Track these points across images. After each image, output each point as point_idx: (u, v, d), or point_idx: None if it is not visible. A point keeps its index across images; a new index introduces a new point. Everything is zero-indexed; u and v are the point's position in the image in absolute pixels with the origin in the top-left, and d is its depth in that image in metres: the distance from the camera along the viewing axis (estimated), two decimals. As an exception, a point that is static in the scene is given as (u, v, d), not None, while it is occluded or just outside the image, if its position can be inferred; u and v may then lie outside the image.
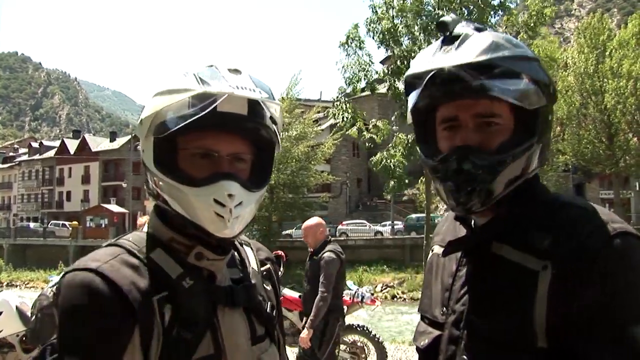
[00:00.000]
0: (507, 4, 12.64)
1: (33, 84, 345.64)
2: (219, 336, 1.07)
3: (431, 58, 1.07)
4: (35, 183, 70.26)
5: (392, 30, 12.24)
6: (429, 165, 1.12)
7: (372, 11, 12.55)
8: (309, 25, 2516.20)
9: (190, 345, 1.03)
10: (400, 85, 11.58)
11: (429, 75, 1.04)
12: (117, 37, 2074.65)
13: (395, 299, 25.56)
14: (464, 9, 12.22)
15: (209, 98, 1.00)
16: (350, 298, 7.30)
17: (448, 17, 1.10)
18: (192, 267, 1.08)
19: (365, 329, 6.85)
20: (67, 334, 1.00)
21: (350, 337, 6.87)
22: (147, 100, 1.08)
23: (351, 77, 12.51)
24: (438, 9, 12.35)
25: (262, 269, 1.29)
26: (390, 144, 13.03)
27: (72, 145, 68.23)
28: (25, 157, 75.27)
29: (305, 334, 5.36)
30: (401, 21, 12.28)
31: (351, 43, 12.50)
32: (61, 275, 1.07)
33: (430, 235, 1.42)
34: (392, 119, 16.40)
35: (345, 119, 12.70)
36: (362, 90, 12.90)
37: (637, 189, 34.70)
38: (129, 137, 61.80)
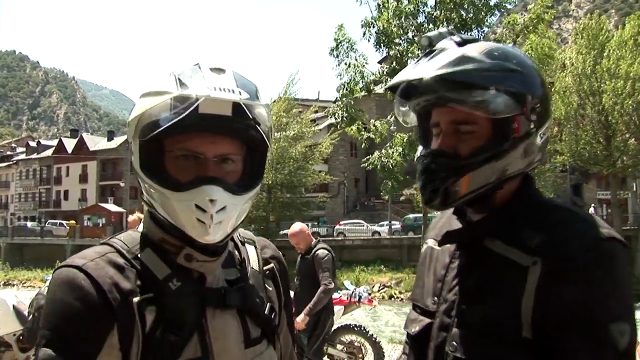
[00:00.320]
0: (504, 3, 12.64)
1: (31, 82, 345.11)
2: (206, 338, 1.06)
3: (407, 70, 1.17)
4: (32, 182, 70.14)
5: (387, 31, 12.23)
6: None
7: (371, 11, 12.54)
8: (307, 24, 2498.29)
9: (175, 347, 1.02)
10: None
11: (400, 88, 1.17)
12: (115, 36, 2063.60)
13: (392, 298, 25.59)
14: (460, 9, 12.21)
15: (188, 100, 0.98)
16: (347, 298, 7.32)
17: (433, 33, 1.19)
18: (182, 269, 1.08)
19: (362, 328, 6.86)
20: (46, 326, 1.01)
21: (347, 337, 6.88)
22: (136, 101, 1.08)
23: (349, 81, 12.50)
24: (436, 10, 12.35)
25: (265, 268, 1.26)
26: (388, 144, 13.03)
27: (70, 144, 68.14)
28: (22, 156, 75.10)
29: (300, 318, 5.53)
30: (395, 24, 12.26)
31: (341, 47, 12.45)
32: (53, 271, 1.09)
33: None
34: (391, 119, 16.43)
35: (344, 118, 12.70)
36: (360, 90, 12.90)
37: (634, 189, 34.76)
38: (127, 136, 61.61)
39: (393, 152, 12.67)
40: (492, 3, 12.35)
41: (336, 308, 7.08)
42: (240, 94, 1.02)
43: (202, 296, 1.08)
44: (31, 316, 5.15)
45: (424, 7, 12.43)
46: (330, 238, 33.15)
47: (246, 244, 1.26)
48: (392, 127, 12.76)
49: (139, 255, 1.07)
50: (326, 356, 6.89)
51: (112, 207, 48.33)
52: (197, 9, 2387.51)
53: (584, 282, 1.01)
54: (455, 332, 1.16)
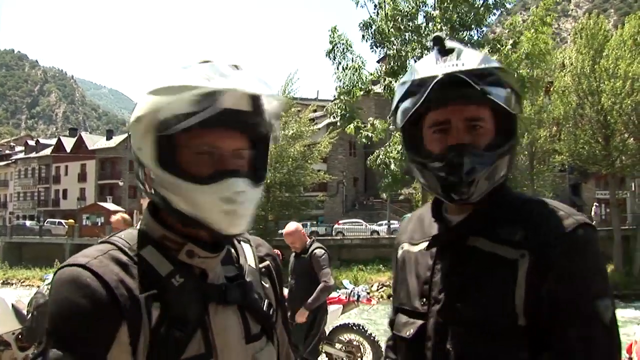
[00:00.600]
0: (504, 3, 12.62)
1: (29, 81, 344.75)
2: (209, 335, 1.07)
3: (434, 66, 1.18)
4: (31, 181, 70.05)
5: (383, 31, 12.21)
6: (426, 164, 1.22)
7: (369, 12, 12.52)
8: (306, 23, 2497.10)
9: (179, 344, 1.02)
10: (396, 86, 11.55)
11: (436, 80, 1.14)
12: (113, 35, 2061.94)
13: (391, 298, 25.41)
14: (461, 8, 12.19)
15: (214, 95, 0.99)
16: (346, 297, 7.33)
17: (441, 33, 1.26)
18: (183, 265, 1.08)
19: (361, 327, 6.87)
20: (53, 327, 1.00)
21: (346, 336, 6.89)
22: (142, 97, 1.06)
23: (348, 83, 12.48)
24: (434, 10, 12.34)
25: (261, 265, 1.27)
26: (388, 143, 13.03)
27: (69, 143, 68.02)
28: (21, 155, 74.98)
29: (300, 313, 5.68)
30: (392, 24, 12.24)
31: (337, 49, 12.43)
32: (54, 272, 1.08)
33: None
34: (390, 118, 16.39)
35: (343, 116, 12.69)
36: (360, 90, 12.89)
37: (633, 189, 34.77)
38: (126, 135, 61.60)
39: (392, 150, 12.67)
40: (490, 2, 12.33)
41: (335, 307, 7.10)
42: (263, 88, 1.05)
43: (204, 292, 1.09)
44: (30, 315, 5.16)
45: (423, 7, 12.41)
46: (329, 237, 33.14)
47: (242, 242, 1.28)
48: (391, 127, 12.76)
49: (140, 253, 1.07)
50: (324, 355, 6.91)
51: (111, 206, 48.23)
52: (196, 8, 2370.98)
53: (568, 267, 1.11)
54: (453, 330, 1.19)
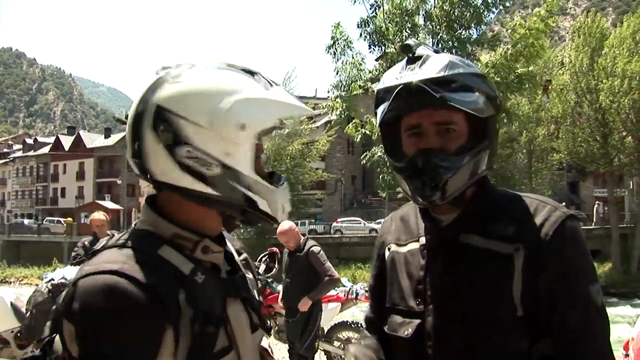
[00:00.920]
0: (504, 2, 12.59)
1: (27, 80, 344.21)
2: (228, 327, 1.09)
3: (398, 74, 1.23)
4: (29, 179, 69.96)
5: (381, 29, 12.18)
6: (397, 167, 1.29)
7: (367, 10, 12.50)
8: (304, 22, 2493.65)
9: (212, 339, 1.04)
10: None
11: (397, 89, 1.20)
12: (112, 33, 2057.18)
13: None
14: (461, 5, 12.17)
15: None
16: (344, 295, 7.35)
17: (411, 41, 1.27)
18: (199, 262, 1.09)
19: (359, 325, 6.87)
20: (95, 344, 0.94)
21: (344, 334, 6.91)
22: (240, 103, 1.05)
23: (347, 78, 12.46)
24: (434, 8, 12.33)
25: (241, 258, 1.30)
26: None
27: (67, 141, 67.89)
28: (19, 154, 74.86)
29: (303, 302, 5.77)
30: (391, 22, 12.21)
31: (338, 44, 12.40)
32: (71, 283, 1.00)
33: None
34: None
35: (343, 112, 12.66)
36: (359, 87, 12.87)
37: (631, 187, 34.81)
38: (125, 133, 61.49)
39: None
40: (489, 0, 12.30)
41: (333, 305, 7.13)
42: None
43: (223, 287, 1.12)
44: (29, 313, 5.15)
45: (423, 5, 12.38)
46: (327, 235, 33.15)
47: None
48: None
49: (159, 253, 1.05)
50: (323, 353, 6.93)
51: (109, 204, 48.24)
52: (194, 6, 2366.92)
53: (562, 258, 1.18)
54: (453, 327, 1.22)
